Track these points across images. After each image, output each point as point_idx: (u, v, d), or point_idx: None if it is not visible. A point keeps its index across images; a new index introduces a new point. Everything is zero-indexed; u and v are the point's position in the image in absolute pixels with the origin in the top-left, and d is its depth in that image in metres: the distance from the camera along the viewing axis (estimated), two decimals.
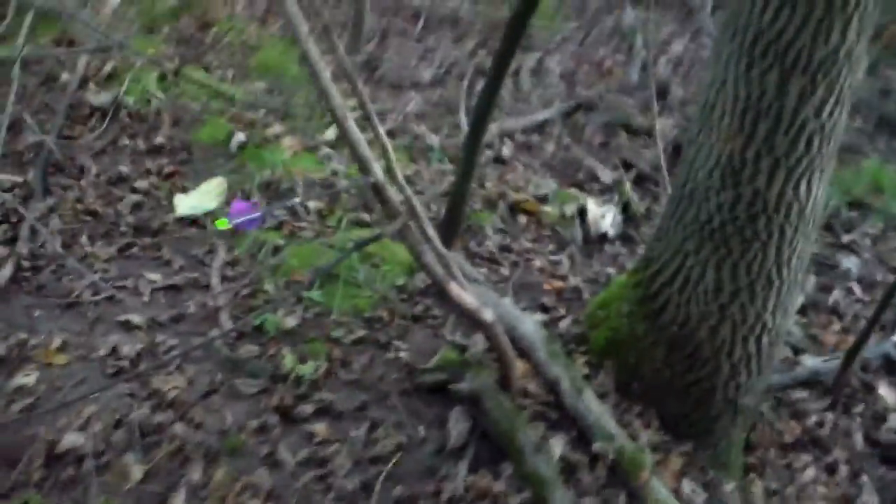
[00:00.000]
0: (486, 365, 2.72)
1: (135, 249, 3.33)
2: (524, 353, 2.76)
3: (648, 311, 2.78)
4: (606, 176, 4.25)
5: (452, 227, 3.27)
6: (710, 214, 2.56)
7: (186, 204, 3.58)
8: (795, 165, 2.41)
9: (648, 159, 4.49)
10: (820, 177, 2.47)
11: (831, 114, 2.36)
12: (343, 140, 2.19)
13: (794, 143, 2.38)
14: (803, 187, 2.45)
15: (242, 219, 2.03)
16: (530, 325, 2.83)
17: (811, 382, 3.21)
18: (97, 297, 3.05)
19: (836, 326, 3.65)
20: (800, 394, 3.16)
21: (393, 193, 2.26)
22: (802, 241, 2.57)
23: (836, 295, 3.83)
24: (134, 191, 3.67)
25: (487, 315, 2.48)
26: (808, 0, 2.20)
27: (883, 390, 3.27)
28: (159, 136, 3.98)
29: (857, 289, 3.92)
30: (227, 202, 3.42)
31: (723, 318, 2.65)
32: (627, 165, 4.43)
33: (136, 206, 3.57)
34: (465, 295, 2.41)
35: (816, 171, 2.45)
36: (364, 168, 2.20)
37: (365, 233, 3.40)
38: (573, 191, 4.05)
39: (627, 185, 4.15)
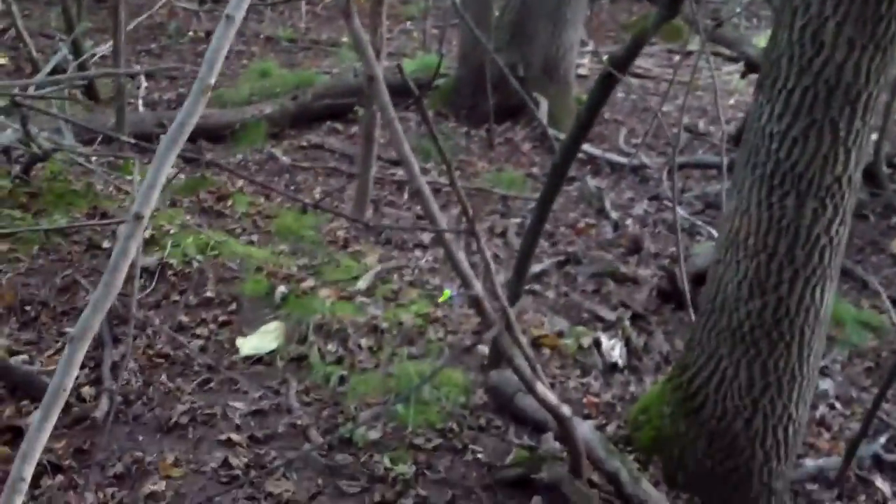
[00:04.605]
0: (558, 458, 3.11)
1: (212, 384, 3.67)
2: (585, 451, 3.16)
3: (689, 410, 3.22)
4: (608, 314, 4.74)
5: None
6: (741, 321, 3.05)
7: (249, 345, 3.98)
8: (811, 275, 2.93)
9: (639, 301, 5.01)
10: (830, 285, 3.00)
11: (837, 231, 2.91)
12: (448, 260, 2.66)
13: (810, 256, 2.90)
14: (818, 293, 2.97)
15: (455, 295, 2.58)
16: (586, 427, 3.24)
17: (818, 478, 3.68)
18: (194, 423, 3.38)
19: (826, 436, 4.12)
20: (811, 486, 3.60)
21: (489, 306, 2.70)
22: (817, 342, 3.07)
23: (822, 410, 4.31)
24: (196, 336, 4.03)
25: (566, 411, 2.89)
26: (817, 137, 2.77)
27: (879, 483, 3.73)
28: (207, 291, 4.37)
29: (837, 405, 4.41)
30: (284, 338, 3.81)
31: (755, 411, 3.10)
32: (623, 306, 4.93)
33: (202, 350, 3.93)
34: (549, 393, 2.83)
35: (828, 280, 2.97)
36: (466, 284, 2.66)
37: (412, 364, 3.81)
38: (582, 328, 4.53)
39: (627, 323, 4.65)
